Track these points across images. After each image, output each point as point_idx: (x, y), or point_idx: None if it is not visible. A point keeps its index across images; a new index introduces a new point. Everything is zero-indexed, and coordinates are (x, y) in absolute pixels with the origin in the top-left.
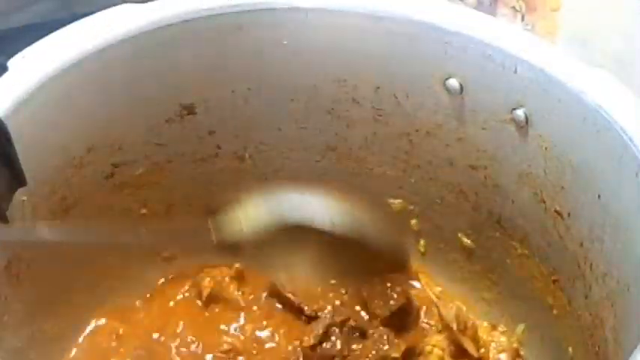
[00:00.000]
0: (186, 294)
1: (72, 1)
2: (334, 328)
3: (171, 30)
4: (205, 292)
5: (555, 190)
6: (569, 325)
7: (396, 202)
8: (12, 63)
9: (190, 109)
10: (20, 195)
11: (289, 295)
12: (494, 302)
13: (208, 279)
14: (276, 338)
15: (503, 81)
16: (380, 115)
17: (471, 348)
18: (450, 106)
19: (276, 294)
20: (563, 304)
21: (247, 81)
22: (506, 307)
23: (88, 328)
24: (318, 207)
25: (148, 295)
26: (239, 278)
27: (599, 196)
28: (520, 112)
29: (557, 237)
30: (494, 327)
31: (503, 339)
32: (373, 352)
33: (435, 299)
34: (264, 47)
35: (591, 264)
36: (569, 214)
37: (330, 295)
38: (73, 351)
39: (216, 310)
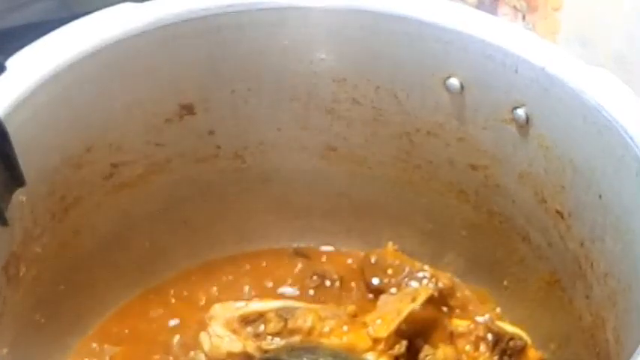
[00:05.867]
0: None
1: (71, 0)
2: None
3: (171, 29)
4: None
5: (556, 189)
6: (570, 326)
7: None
8: (11, 62)
9: (190, 109)
10: (19, 195)
11: None
12: (495, 302)
13: None
14: None
15: (503, 80)
16: (380, 115)
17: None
18: (450, 106)
19: None
20: (564, 305)
21: (247, 81)
22: (507, 308)
23: (90, 328)
24: None
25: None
26: None
27: (600, 196)
28: (521, 112)
29: (558, 237)
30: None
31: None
32: None
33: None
34: (264, 47)
35: (592, 264)
36: (569, 214)
37: None
38: (75, 351)
39: None
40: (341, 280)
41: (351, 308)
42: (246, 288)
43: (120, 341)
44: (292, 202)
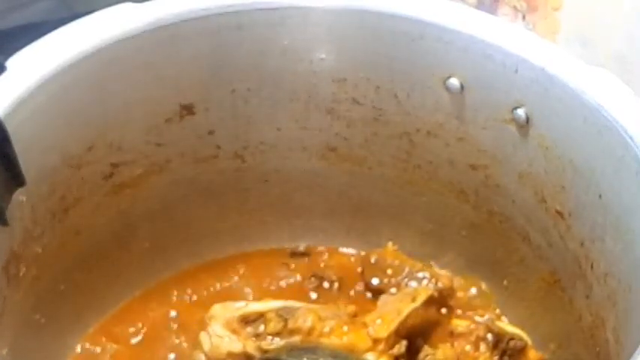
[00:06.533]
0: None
1: (71, 0)
2: None
3: (171, 29)
4: None
5: (556, 189)
6: (570, 326)
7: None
8: (11, 62)
9: (190, 109)
10: (19, 195)
11: None
12: (495, 303)
13: None
14: None
15: (503, 80)
16: (380, 115)
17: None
18: (450, 106)
19: None
20: (564, 305)
21: (247, 81)
22: (507, 308)
23: (90, 328)
24: None
25: (147, 294)
26: None
27: (599, 196)
28: (521, 112)
29: (558, 237)
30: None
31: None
32: None
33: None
34: (264, 47)
35: (592, 264)
36: (569, 214)
37: None
38: (75, 351)
39: None
40: (340, 280)
41: (351, 308)
42: (246, 288)
43: (120, 341)
44: (292, 202)
